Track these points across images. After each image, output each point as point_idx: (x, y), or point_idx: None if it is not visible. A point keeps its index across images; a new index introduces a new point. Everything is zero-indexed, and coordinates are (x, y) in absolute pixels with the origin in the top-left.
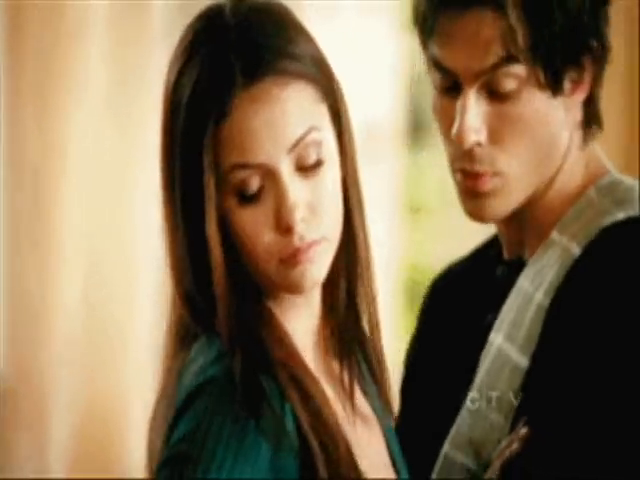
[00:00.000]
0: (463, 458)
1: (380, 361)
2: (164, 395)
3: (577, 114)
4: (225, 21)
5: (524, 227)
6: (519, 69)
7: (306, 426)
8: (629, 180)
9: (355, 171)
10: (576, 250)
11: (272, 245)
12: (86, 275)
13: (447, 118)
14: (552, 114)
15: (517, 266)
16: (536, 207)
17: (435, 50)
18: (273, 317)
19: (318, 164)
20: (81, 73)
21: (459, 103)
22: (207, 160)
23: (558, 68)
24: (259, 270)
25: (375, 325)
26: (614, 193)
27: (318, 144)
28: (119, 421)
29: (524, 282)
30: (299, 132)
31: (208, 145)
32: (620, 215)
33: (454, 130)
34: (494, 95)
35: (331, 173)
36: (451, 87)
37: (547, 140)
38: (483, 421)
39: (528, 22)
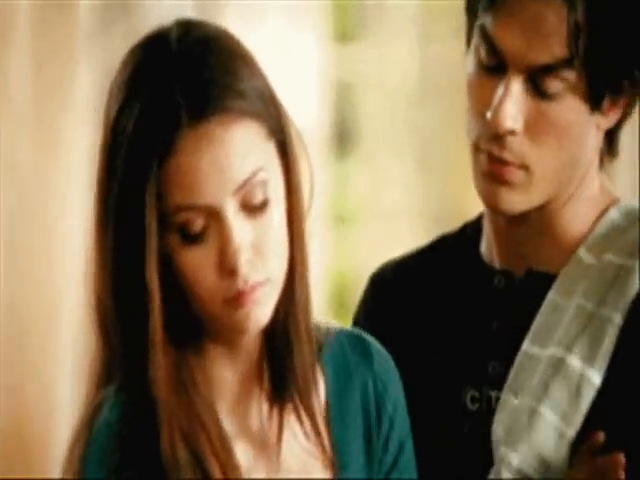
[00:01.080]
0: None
1: (308, 408)
2: (79, 426)
3: (600, 138)
4: (170, 54)
5: (538, 235)
6: (569, 74)
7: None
8: None
9: (300, 206)
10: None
11: (216, 286)
12: (6, 279)
13: (483, 96)
14: (586, 128)
15: (510, 276)
16: (557, 216)
17: (490, 25)
18: (192, 367)
19: (264, 204)
20: (3, 83)
21: (501, 86)
22: (149, 201)
23: (603, 84)
24: (204, 309)
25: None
26: None
27: (264, 184)
28: (42, 424)
29: (559, 297)
30: (245, 174)
31: (152, 185)
32: None
33: (491, 111)
34: (538, 91)
35: (277, 211)
36: (495, 66)
37: (576, 150)
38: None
39: (592, 25)
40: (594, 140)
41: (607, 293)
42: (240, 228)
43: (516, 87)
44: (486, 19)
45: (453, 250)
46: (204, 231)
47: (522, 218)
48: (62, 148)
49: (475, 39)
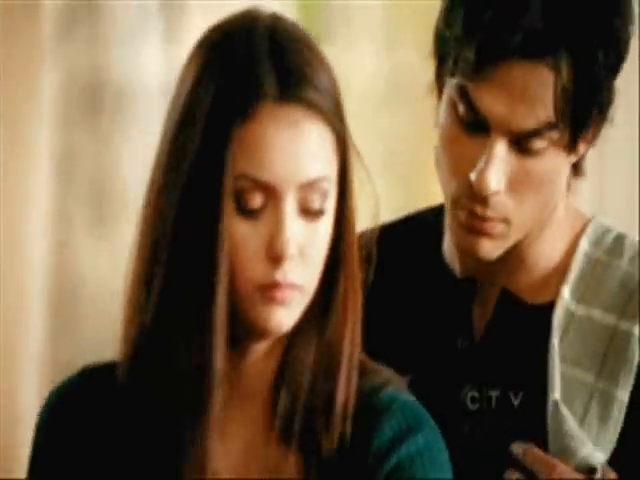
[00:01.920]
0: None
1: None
2: None
3: (569, 168)
4: (259, 30)
5: (506, 260)
6: (554, 134)
7: None
8: (608, 223)
9: (352, 228)
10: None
11: (255, 268)
12: None
13: (464, 155)
14: (564, 170)
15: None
16: (527, 245)
17: (471, 89)
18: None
19: (319, 213)
20: None
21: (486, 149)
22: (229, 161)
23: (584, 130)
24: (237, 296)
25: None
26: (619, 251)
27: (325, 194)
28: (6, 419)
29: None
30: (314, 174)
31: (232, 145)
32: None
33: (475, 174)
34: (521, 150)
35: (326, 224)
36: (476, 124)
37: (554, 193)
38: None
39: (578, 88)
40: (566, 175)
41: (605, 362)
42: (294, 223)
43: (501, 149)
44: (466, 83)
45: (417, 241)
46: (260, 210)
47: None
48: (27, 149)
49: (452, 95)
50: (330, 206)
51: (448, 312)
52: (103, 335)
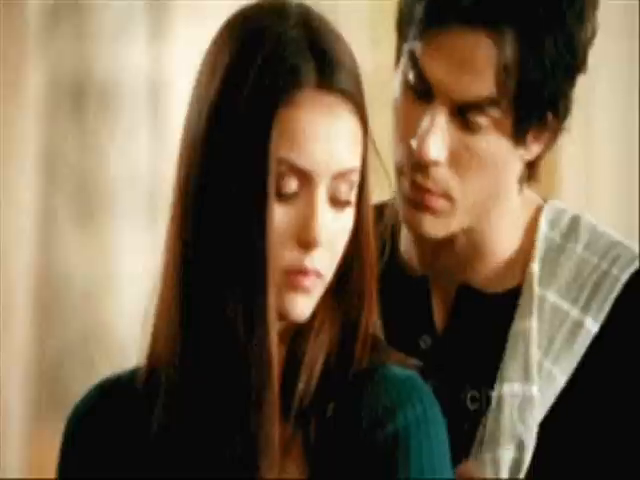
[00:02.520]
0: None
1: None
2: None
3: (522, 167)
4: (294, 18)
5: (464, 252)
6: (495, 112)
7: None
8: (563, 205)
9: (368, 215)
10: (592, 326)
11: (284, 252)
12: None
13: (409, 121)
14: (509, 161)
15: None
16: (481, 235)
17: (419, 53)
18: None
19: (346, 203)
20: None
21: (428, 116)
22: (271, 146)
23: (528, 121)
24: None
25: None
26: (574, 234)
27: (352, 186)
28: None
29: (521, 325)
30: (348, 164)
31: (273, 128)
32: (613, 271)
33: (416, 140)
34: (463, 124)
35: (350, 219)
36: (422, 91)
37: (498, 182)
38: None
39: (518, 66)
40: (516, 170)
41: (552, 343)
42: (325, 211)
43: (442, 119)
44: (416, 46)
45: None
46: (293, 195)
47: (446, 238)
48: (12, 146)
49: (404, 62)
50: (354, 197)
51: (408, 312)
52: (89, 332)
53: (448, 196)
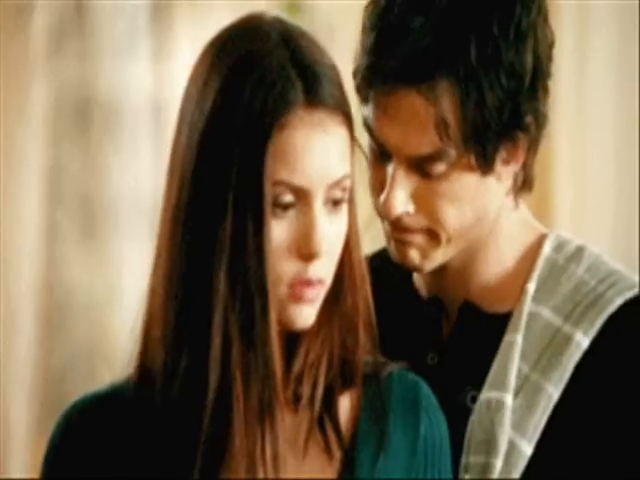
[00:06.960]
0: None
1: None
2: None
3: (509, 181)
4: (275, 37)
5: (462, 274)
6: (449, 157)
7: None
8: (569, 236)
9: (356, 216)
10: (582, 340)
11: (285, 266)
12: None
13: (377, 181)
14: (482, 189)
15: (438, 306)
16: (476, 259)
17: (370, 119)
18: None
19: (341, 208)
20: None
21: (389, 175)
22: (267, 171)
23: (489, 153)
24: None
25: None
26: (578, 259)
27: (346, 189)
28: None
29: (511, 338)
30: (340, 173)
31: (268, 152)
32: (609, 293)
33: (382, 199)
34: (424, 173)
35: (345, 222)
36: (382, 152)
37: (476, 209)
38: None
39: (460, 112)
40: (498, 190)
41: (542, 357)
42: (323, 221)
43: (401, 174)
44: (368, 114)
45: (390, 272)
46: (289, 207)
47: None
48: (16, 164)
49: (365, 129)
50: (346, 195)
51: (419, 332)
52: (92, 346)
53: (429, 231)
